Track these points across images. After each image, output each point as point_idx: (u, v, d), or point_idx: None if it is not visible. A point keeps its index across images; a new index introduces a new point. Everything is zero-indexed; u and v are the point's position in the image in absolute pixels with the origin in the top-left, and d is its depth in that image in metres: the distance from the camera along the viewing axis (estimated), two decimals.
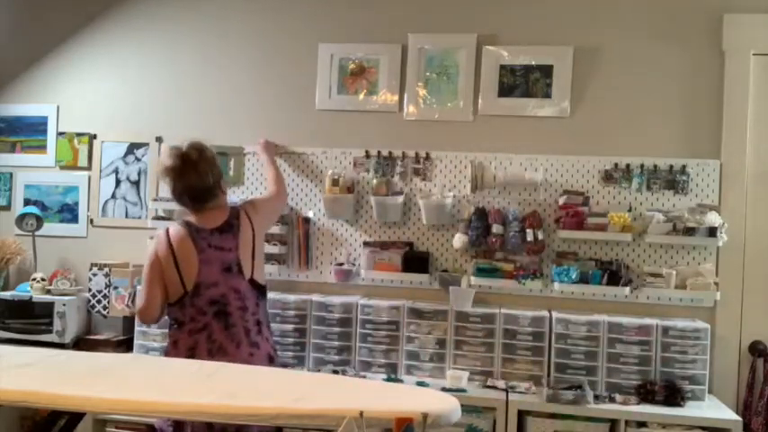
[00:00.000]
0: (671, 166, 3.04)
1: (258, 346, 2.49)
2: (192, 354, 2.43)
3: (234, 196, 3.25)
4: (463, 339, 2.96)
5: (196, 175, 2.50)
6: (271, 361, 2.51)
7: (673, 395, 2.69)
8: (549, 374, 2.88)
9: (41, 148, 3.65)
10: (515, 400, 2.71)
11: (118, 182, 3.55)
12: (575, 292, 3.01)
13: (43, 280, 3.37)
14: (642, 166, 3.05)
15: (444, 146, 3.23)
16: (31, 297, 3.32)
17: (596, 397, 2.73)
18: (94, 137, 3.59)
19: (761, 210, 3.02)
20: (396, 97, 3.29)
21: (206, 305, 2.48)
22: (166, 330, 3.09)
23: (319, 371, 2.95)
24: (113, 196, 3.56)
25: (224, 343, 2.44)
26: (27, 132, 3.67)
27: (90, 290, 3.37)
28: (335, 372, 2.91)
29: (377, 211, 3.22)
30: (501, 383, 2.85)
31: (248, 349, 2.46)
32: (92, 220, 3.57)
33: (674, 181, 3.04)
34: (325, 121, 3.35)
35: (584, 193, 3.07)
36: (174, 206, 3.31)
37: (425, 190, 3.23)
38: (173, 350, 2.50)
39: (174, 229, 2.55)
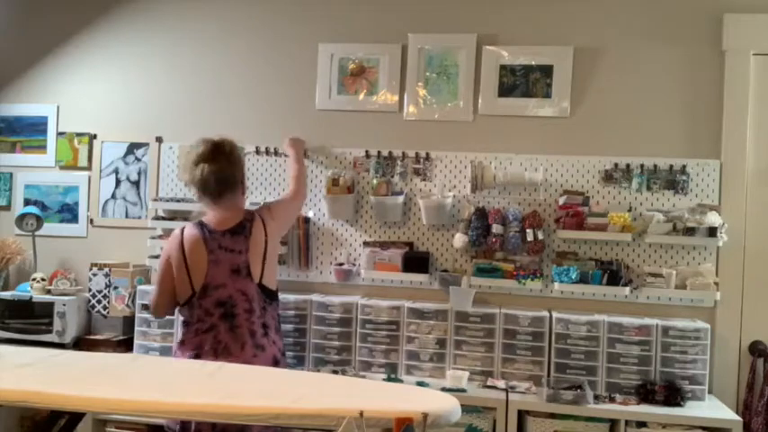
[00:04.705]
0: (671, 166, 3.04)
1: (263, 348, 2.49)
2: (197, 353, 2.45)
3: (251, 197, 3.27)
4: (463, 339, 2.96)
5: (226, 161, 2.55)
6: (276, 364, 2.51)
7: (673, 395, 2.69)
8: (549, 374, 2.88)
9: (41, 148, 3.64)
10: (515, 400, 2.71)
11: (118, 182, 3.55)
12: (575, 292, 3.01)
13: (43, 280, 3.37)
14: (642, 166, 3.05)
15: (444, 146, 3.23)
16: (31, 297, 3.31)
17: (596, 397, 2.73)
18: (94, 137, 3.59)
19: (761, 210, 3.01)
20: (396, 97, 3.29)
21: (213, 306, 2.49)
22: (166, 330, 3.14)
23: (319, 371, 2.95)
24: (113, 196, 3.56)
25: (229, 344, 2.45)
26: (27, 132, 3.67)
27: (90, 290, 3.37)
28: (335, 372, 2.91)
29: (377, 211, 3.22)
30: (501, 383, 2.85)
31: (252, 351, 2.46)
32: (92, 220, 3.57)
33: (674, 181, 3.04)
34: (325, 121, 3.35)
35: (584, 193, 3.07)
36: (175, 206, 3.34)
37: (425, 190, 3.23)
38: (179, 349, 2.53)
39: (188, 229, 2.58)
